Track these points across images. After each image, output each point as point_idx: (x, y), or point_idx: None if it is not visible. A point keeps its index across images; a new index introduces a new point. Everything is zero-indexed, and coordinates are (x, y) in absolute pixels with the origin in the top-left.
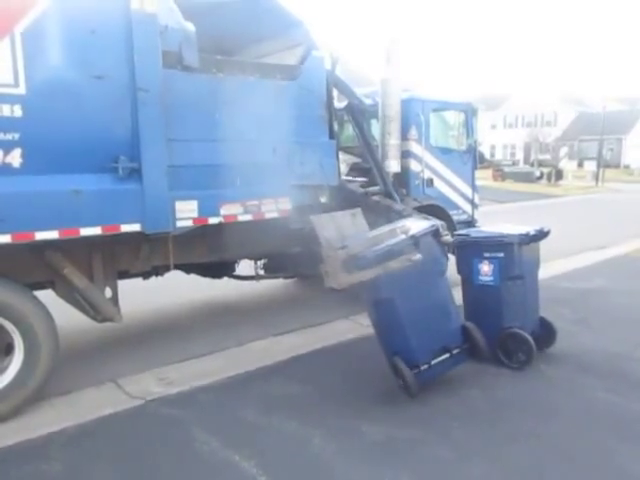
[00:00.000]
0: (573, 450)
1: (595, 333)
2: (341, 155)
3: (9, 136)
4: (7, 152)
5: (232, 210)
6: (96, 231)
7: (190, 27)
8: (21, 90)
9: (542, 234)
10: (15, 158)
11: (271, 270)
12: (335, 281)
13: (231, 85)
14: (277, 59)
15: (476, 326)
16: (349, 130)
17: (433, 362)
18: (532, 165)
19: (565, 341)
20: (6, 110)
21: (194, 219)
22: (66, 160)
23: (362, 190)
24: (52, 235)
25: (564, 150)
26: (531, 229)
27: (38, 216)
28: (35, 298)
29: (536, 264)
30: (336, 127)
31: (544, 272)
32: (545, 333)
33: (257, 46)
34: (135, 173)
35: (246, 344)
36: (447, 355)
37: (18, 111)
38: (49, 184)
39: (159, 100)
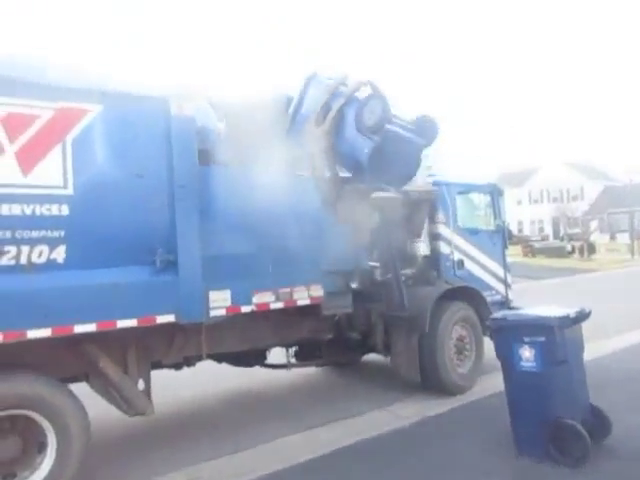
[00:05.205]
0: None
1: None
2: None
3: (56, 233)
4: (53, 248)
5: (264, 298)
6: (132, 323)
7: (224, 125)
8: (69, 191)
9: (583, 315)
10: (60, 254)
11: (303, 358)
12: None
13: (262, 177)
14: None
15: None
16: None
17: None
18: (562, 240)
19: (621, 431)
20: (54, 209)
21: (227, 308)
22: (107, 254)
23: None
24: (90, 328)
25: (594, 224)
26: (571, 311)
27: (78, 310)
28: (72, 394)
29: (580, 347)
30: None
31: (587, 353)
32: (598, 422)
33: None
34: (171, 265)
35: (278, 439)
36: None
37: (65, 210)
38: (90, 278)
39: (195, 194)
